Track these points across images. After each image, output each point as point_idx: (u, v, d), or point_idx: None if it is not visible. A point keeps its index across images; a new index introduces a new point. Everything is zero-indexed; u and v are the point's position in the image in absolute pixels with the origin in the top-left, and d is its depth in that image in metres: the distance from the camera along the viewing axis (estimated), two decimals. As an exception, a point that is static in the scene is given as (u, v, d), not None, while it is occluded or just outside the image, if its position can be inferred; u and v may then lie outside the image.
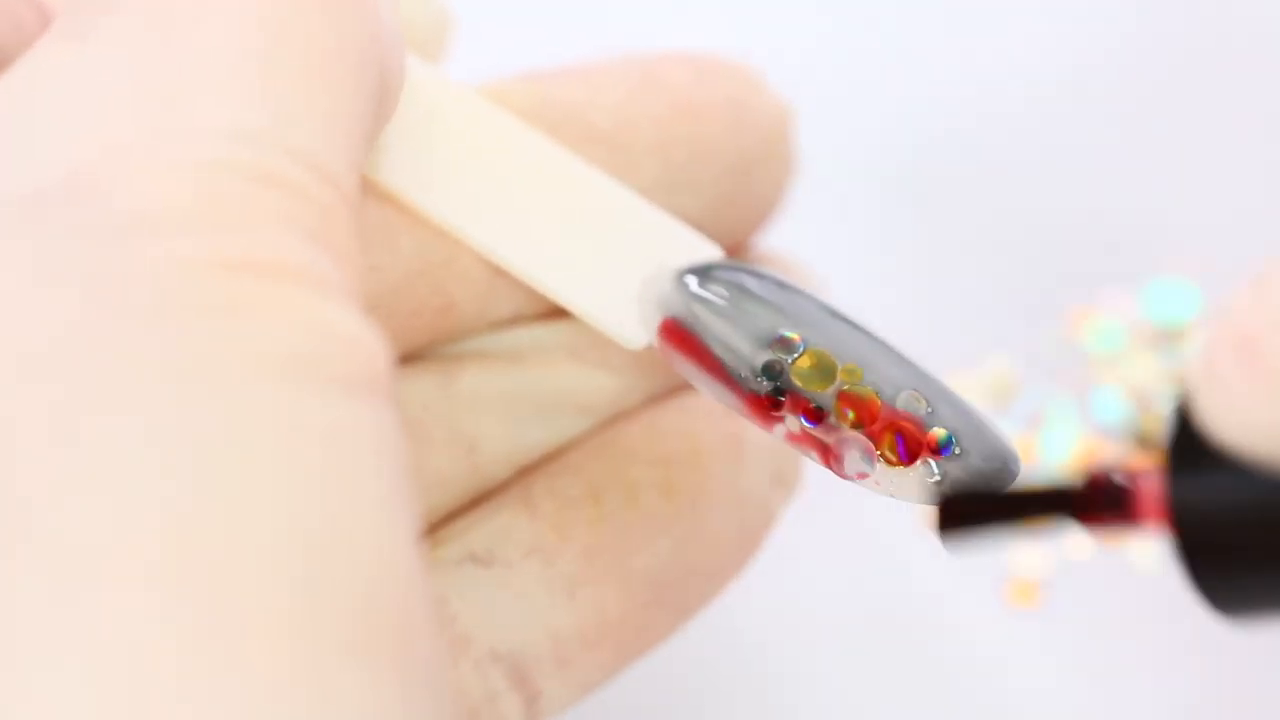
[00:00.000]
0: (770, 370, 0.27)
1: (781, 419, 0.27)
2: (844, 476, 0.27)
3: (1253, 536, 0.23)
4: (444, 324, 0.29)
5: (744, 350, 0.27)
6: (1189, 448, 0.23)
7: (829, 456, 0.27)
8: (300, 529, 0.20)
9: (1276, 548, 0.22)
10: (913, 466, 0.26)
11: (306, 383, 0.20)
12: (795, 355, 0.27)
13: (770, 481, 0.30)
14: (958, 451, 0.26)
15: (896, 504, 0.45)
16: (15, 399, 0.20)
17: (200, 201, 0.21)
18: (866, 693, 0.43)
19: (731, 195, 0.31)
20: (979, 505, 0.25)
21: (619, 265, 0.29)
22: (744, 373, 0.27)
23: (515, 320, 0.30)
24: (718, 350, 0.27)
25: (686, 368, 0.28)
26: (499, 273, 0.29)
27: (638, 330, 0.28)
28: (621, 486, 0.29)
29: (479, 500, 0.29)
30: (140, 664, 0.18)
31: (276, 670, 0.19)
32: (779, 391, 0.27)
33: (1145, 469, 0.24)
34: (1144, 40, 0.51)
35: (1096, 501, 0.24)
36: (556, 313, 0.30)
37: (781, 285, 0.28)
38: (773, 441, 0.29)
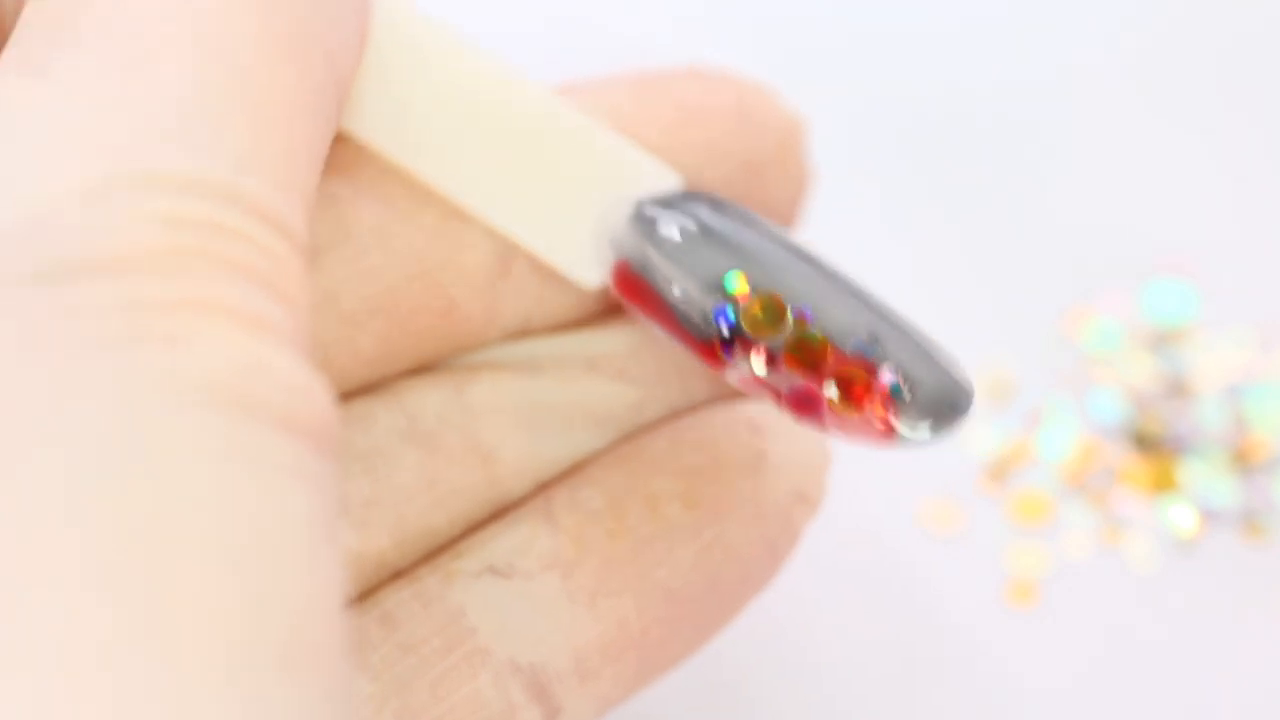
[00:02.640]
0: (721, 314, 0.27)
1: (733, 364, 0.27)
2: (798, 421, 0.27)
3: None
4: (448, 328, 0.29)
5: (695, 295, 0.27)
6: None
7: (782, 401, 0.27)
8: (230, 544, 0.20)
9: None
10: (862, 412, 0.27)
11: (233, 410, 0.21)
12: (746, 300, 0.27)
13: (792, 497, 0.30)
14: (907, 395, 0.26)
15: (894, 501, 0.45)
16: None
17: (134, 251, 0.22)
18: (864, 692, 0.43)
19: (740, 201, 0.30)
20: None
21: (579, 200, 0.28)
22: (695, 317, 0.27)
23: (527, 328, 0.30)
24: (668, 295, 0.27)
25: (638, 312, 0.28)
26: (501, 274, 0.29)
27: (593, 270, 0.28)
28: (642, 498, 0.29)
29: (500, 513, 0.29)
30: (73, 672, 0.19)
31: (213, 674, 0.19)
32: (730, 337, 0.27)
33: None
34: (1145, 39, 0.51)
35: None
36: (573, 323, 0.30)
37: (737, 220, 0.28)
38: (796, 457, 0.29)
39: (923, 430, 0.27)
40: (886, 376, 0.27)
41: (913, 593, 0.44)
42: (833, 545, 0.44)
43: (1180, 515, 0.45)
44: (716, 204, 0.28)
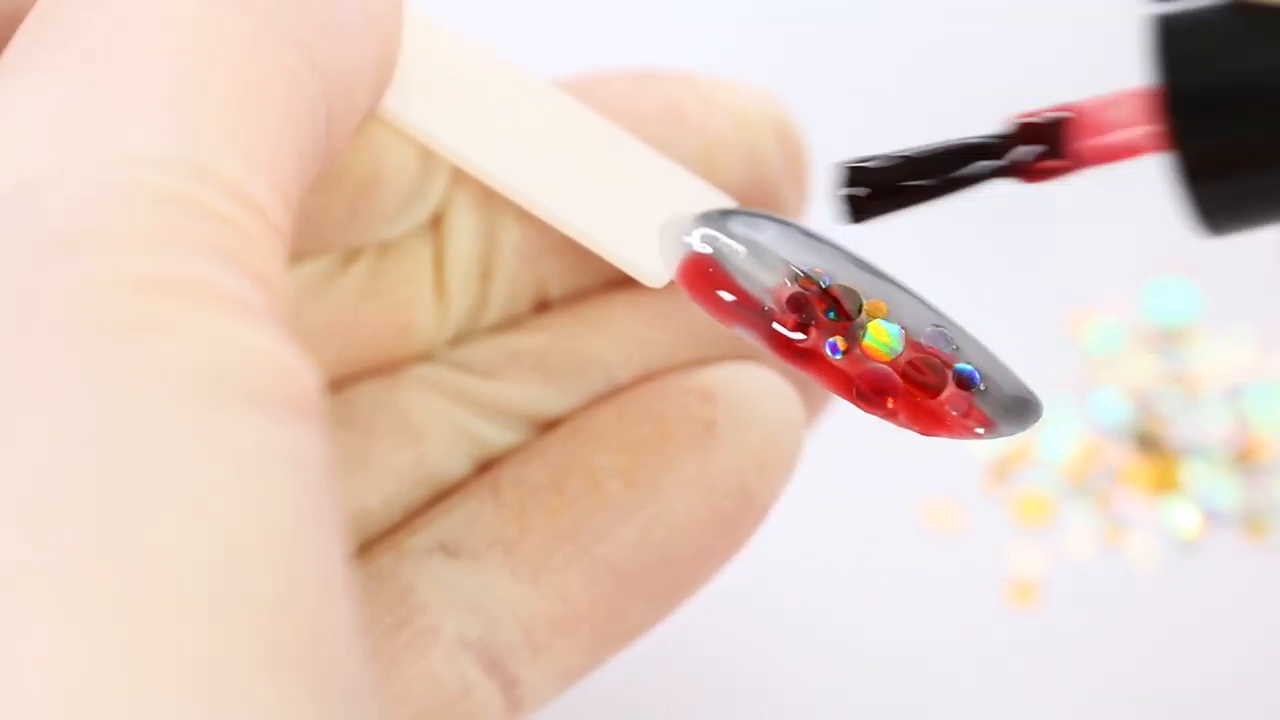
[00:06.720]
0: (795, 303, 0.27)
1: (804, 351, 0.27)
2: (867, 410, 0.27)
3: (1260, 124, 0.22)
4: (404, 344, 0.30)
5: (769, 284, 0.27)
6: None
7: (852, 390, 0.27)
8: (208, 543, 0.20)
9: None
10: (937, 399, 0.27)
11: (215, 398, 0.21)
12: (820, 290, 0.27)
13: (753, 469, 0.29)
14: (983, 387, 0.27)
15: (894, 501, 0.45)
16: None
17: (117, 224, 0.22)
18: (864, 692, 0.43)
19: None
20: (893, 173, 0.26)
21: (639, 209, 0.29)
22: (769, 305, 0.27)
23: (460, 335, 0.30)
24: (742, 283, 0.27)
25: (708, 303, 0.27)
26: (443, 288, 0.30)
27: (659, 268, 0.28)
28: (584, 474, 0.29)
29: (442, 493, 0.30)
30: (49, 671, 0.19)
31: (186, 680, 0.19)
32: (804, 325, 0.27)
33: (1086, 103, 0.23)
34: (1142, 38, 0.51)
35: (1031, 141, 0.24)
36: (501, 327, 0.30)
37: (805, 230, 0.28)
38: (753, 424, 0.29)
39: (999, 423, 0.27)
40: (963, 366, 0.27)
41: (913, 593, 0.44)
42: (833, 545, 0.44)
43: (1182, 515, 0.45)
44: (781, 218, 0.29)
